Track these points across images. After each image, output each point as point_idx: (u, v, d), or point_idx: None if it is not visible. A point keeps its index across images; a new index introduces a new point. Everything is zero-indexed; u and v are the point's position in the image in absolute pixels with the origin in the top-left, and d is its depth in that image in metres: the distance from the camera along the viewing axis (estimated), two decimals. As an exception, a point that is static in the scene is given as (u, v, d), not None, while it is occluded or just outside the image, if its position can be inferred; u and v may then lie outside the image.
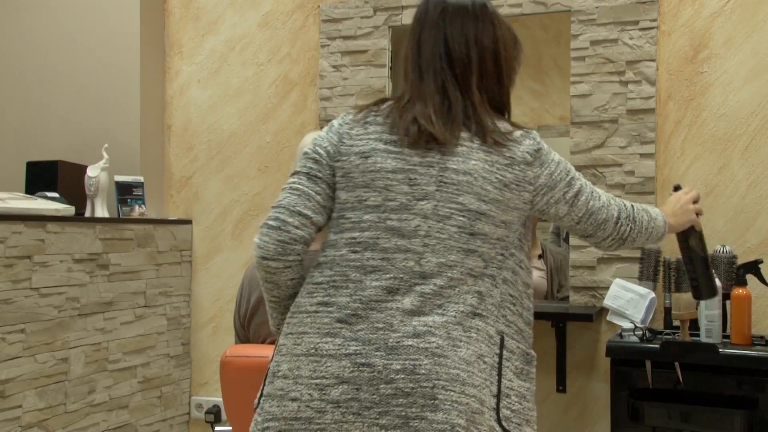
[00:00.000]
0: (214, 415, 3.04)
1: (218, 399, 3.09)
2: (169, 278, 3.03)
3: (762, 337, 2.25)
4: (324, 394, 1.30)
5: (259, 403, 1.39)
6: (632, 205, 1.59)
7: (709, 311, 2.19)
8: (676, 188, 1.83)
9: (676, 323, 2.34)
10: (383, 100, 1.49)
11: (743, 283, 2.18)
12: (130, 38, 3.10)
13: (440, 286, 1.34)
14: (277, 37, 3.07)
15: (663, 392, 2.16)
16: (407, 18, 2.85)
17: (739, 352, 2.08)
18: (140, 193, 3.01)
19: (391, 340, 1.31)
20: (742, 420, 2.06)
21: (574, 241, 2.62)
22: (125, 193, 2.97)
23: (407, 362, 1.29)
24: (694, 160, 2.52)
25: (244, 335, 1.82)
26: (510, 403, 1.39)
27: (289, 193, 1.44)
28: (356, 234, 1.39)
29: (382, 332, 1.32)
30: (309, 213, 1.42)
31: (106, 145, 2.91)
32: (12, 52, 3.28)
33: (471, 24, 1.46)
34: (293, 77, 3.04)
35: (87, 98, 3.15)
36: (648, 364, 2.16)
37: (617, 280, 2.48)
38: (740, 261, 2.27)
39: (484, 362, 1.36)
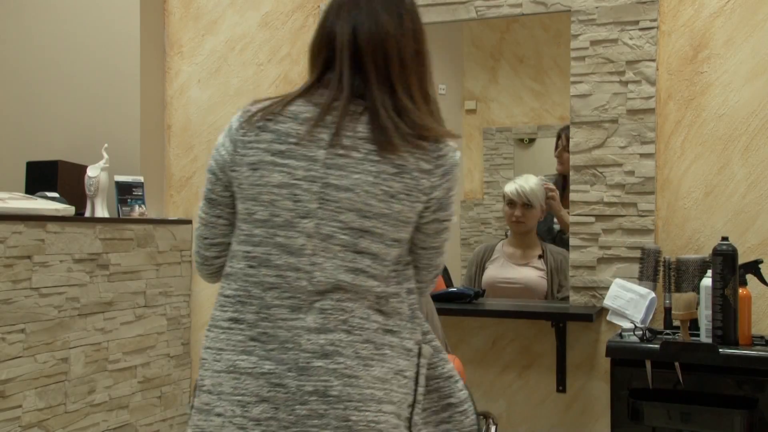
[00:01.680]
0: (214, 415, 3.03)
1: (218, 399, 3.09)
2: (169, 278, 3.03)
3: (762, 337, 2.25)
4: (246, 411, 1.32)
5: (191, 415, 1.41)
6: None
7: (709, 311, 2.19)
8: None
9: (676, 323, 2.34)
10: (287, 96, 1.42)
11: (743, 283, 2.18)
12: (130, 38, 3.10)
13: (338, 299, 1.32)
14: (277, 37, 3.07)
15: (663, 392, 2.16)
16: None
17: (739, 352, 2.08)
18: (140, 193, 3.01)
19: (301, 361, 1.31)
20: (742, 420, 2.06)
21: (574, 241, 2.62)
22: (125, 193, 2.97)
23: (318, 384, 1.30)
24: (694, 160, 2.52)
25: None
26: (418, 409, 1.40)
27: (199, 223, 1.49)
28: (250, 248, 1.37)
29: (292, 352, 1.31)
30: (220, 239, 1.46)
31: (106, 145, 2.91)
32: (12, 52, 3.27)
33: (383, 10, 1.39)
34: (293, 77, 3.04)
35: (87, 98, 3.15)
36: (648, 364, 2.16)
37: (617, 280, 2.48)
38: (740, 261, 2.26)
39: (404, 377, 1.36)
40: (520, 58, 3.16)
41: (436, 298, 2.54)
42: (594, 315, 2.47)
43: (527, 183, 2.91)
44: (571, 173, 2.63)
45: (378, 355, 1.33)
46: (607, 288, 2.51)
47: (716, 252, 2.15)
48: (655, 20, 2.53)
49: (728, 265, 2.13)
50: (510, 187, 2.92)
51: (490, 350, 2.77)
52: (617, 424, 2.22)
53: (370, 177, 1.32)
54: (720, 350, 2.07)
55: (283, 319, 1.33)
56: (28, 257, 2.42)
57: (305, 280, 1.32)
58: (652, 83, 2.53)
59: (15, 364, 2.37)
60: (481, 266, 2.98)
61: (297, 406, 1.29)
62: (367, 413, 1.30)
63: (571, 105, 2.62)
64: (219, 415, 1.33)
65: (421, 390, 1.40)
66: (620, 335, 2.33)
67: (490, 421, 1.88)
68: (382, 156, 1.32)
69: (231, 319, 1.37)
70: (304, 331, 1.32)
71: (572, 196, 2.62)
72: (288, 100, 1.39)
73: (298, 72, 3.03)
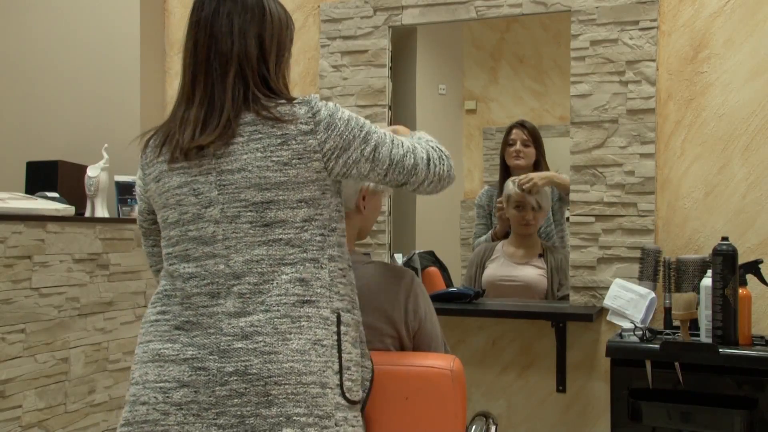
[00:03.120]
0: (214, 415, 3.03)
1: (218, 399, 3.09)
2: (169, 278, 3.03)
3: (762, 337, 2.25)
4: (167, 397, 1.39)
5: None
6: (437, 145, 1.58)
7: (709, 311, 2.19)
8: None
9: (676, 323, 2.34)
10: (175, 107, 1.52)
11: (743, 283, 2.18)
12: (130, 38, 3.10)
13: (254, 283, 1.40)
14: (277, 37, 3.07)
15: (663, 392, 2.17)
16: (407, 18, 2.85)
17: (739, 352, 2.08)
18: (140, 193, 3.01)
19: (222, 344, 1.38)
20: (742, 420, 2.06)
21: (574, 241, 2.62)
22: (125, 193, 2.97)
23: (239, 364, 1.37)
24: (694, 160, 2.52)
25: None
26: (351, 374, 1.45)
27: (145, 256, 1.72)
28: (170, 249, 1.49)
29: (213, 336, 1.39)
30: (160, 265, 1.61)
31: (106, 145, 2.91)
32: (12, 51, 3.28)
33: (236, 13, 1.47)
34: (293, 77, 3.04)
35: (87, 98, 3.15)
36: (648, 364, 2.16)
37: (617, 280, 2.48)
38: (740, 261, 2.26)
39: (323, 345, 1.40)
40: (520, 58, 3.16)
41: (436, 298, 2.54)
42: (594, 315, 2.47)
43: None
44: (570, 173, 2.63)
45: (295, 328, 1.39)
46: (607, 288, 2.51)
47: (716, 252, 2.15)
48: (655, 20, 2.53)
49: (728, 265, 2.13)
50: (518, 190, 2.90)
51: (490, 350, 2.78)
52: (617, 424, 2.22)
53: (258, 153, 1.40)
54: (720, 350, 2.08)
55: (204, 306, 1.41)
56: (28, 257, 2.42)
57: (222, 264, 1.41)
58: (652, 83, 2.53)
59: (15, 364, 2.37)
60: (481, 266, 2.98)
61: (217, 388, 1.37)
62: (286, 386, 1.36)
63: (571, 105, 2.62)
64: (144, 403, 1.41)
65: (347, 356, 1.44)
66: (620, 335, 2.33)
67: (490, 421, 1.88)
68: (263, 133, 1.41)
69: (159, 312, 1.47)
70: (224, 316, 1.40)
71: (572, 196, 2.63)
72: (176, 110, 1.52)
73: (298, 72, 3.03)
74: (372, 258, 1.80)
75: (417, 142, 1.55)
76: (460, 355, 2.30)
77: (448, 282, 3.00)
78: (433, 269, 2.99)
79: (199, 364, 1.39)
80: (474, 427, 1.84)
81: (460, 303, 2.66)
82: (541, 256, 2.90)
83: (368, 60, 2.90)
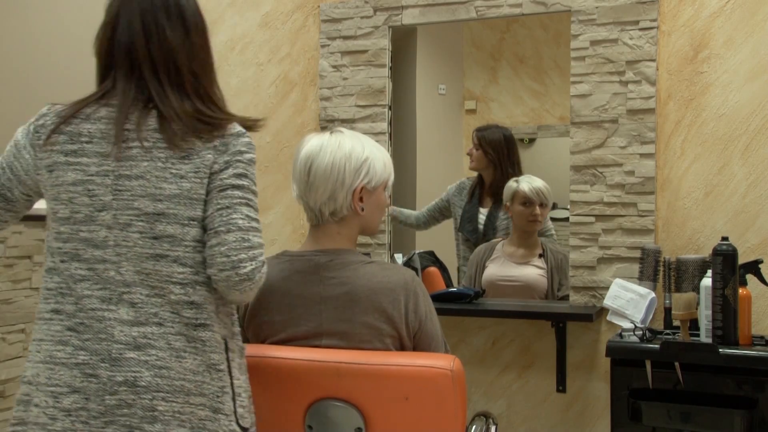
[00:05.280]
0: (214, 415, 3.03)
1: (218, 399, 3.09)
2: (169, 278, 3.03)
3: (762, 337, 2.25)
4: (57, 401, 1.36)
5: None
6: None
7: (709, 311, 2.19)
8: None
9: (676, 323, 2.34)
10: (81, 100, 1.51)
11: (743, 283, 2.18)
12: (130, 38, 3.10)
13: (146, 294, 1.38)
14: (277, 37, 3.07)
15: (663, 392, 2.17)
16: (407, 18, 2.85)
17: (739, 352, 2.08)
18: (140, 193, 3.01)
19: (114, 352, 1.36)
20: (742, 420, 2.06)
21: (574, 240, 2.63)
22: (125, 193, 2.97)
23: (129, 374, 1.35)
24: (694, 160, 2.52)
25: (243, 335, 1.82)
26: (242, 400, 1.45)
27: None
28: (60, 245, 1.43)
29: (105, 343, 1.37)
30: None
31: (106, 145, 2.91)
32: (12, 51, 3.27)
33: (168, 25, 1.51)
34: (293, 77, 3.04)
35: (87, 98, 3.14)
36: (648, 364, 2.16)
37: (617, 280, 2.48)
38: (740, 261, 2.26)
39: (218, 370, 1.39)
40: (520, 58, 3.16)
41: (436, 298, 2.54)
42: (594, 315, 2.48)
43: (537, 182, 2.91)
44: (571, 173, 2.63)
45: (191, 348, 1.38)
46: (607, 288, 2.51)
47: (716, 252, 2.15)
48: (655, 20, 2.53)
49: (728, 265, 2.13)
50: (525, 187, 2.91)
51: (490, 350, 2.78)
52: (617, 424, 2.22)
53: (159, 163, 1.38)
54: (720, 350, 2.08)
55: (94, 309, 1.38)
56: (28, 257, 2.42)
57: (113, 270, 1.39)
58: (652, 83, 2.53)
59: (15, 364, 2.37)
60: (481, 266, 2.98)
61: (107, 396, 1.35)
62: (174, 404, 1.35)
63: (571, 105, 2.63)
64: (36, 405, 1.39)
65: (237, 382, 1.44)
66: (620, 335, 2.33)
67: (490, 421, 1.88)
68: (170, 143, 1.39)
69: (52, 310, 1.42)
70: (117, 323, 1.37)
71: (572, 196, 2.63)
72: (81, 103, 1.51)
73: (298, 72, 3.03)
74: (372, 258, 1.80)
75: (262, 255, 1.44)
76: (460, 355, 2.30)
77: (448, 282, 3.00)
78: (433, 269, 2.99)
79: (91, 371, 1.36)
80: (474, 427, 1.84)
81: (460, 303, 2.66)
82: (541, 256, 2.91)
83: (368, 60, 2.90)
